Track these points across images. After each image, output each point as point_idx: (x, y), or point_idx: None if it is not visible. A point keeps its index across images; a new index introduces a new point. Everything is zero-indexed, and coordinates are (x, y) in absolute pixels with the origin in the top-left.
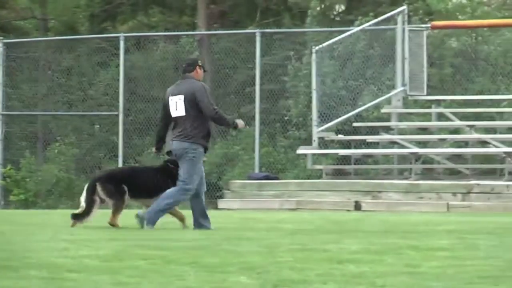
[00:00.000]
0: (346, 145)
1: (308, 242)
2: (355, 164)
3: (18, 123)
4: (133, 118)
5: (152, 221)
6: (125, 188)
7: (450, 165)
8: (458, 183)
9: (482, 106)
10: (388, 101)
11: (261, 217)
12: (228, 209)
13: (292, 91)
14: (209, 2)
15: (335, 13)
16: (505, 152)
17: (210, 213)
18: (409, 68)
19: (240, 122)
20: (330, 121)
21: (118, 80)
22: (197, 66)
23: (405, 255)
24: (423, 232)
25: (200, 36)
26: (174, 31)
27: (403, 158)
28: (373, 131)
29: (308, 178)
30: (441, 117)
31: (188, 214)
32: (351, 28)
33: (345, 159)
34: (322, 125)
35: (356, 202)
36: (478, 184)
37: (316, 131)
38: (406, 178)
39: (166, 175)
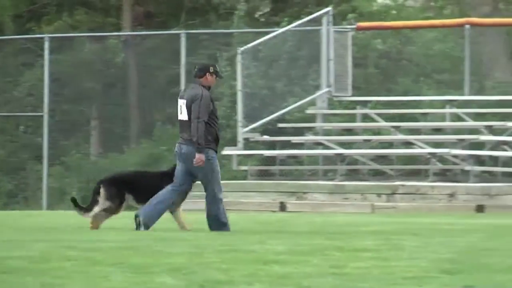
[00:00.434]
0: (271, 146)
1: (234, 243)
2: (280, 165)
3: None
4: (59, 118)
5: (149, 222)
6: (126, 195)
7: (375, 166)
8: (383, 184)
9: (407, 107)
10: (313, 102)
11: (187, 218)
12: None
13: (218, 92)
14: (134, 3)
15: (260, 14)
16: (429, 153)
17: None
18: (334, 69)
19: (199, 158)
20: (255, 122)
21: (43, 80)
22: (208, 73)
23: (330, 256)
24: (348, 233)
25: (125, 37)
26: (99, 32)
27: (328, 159)
28: (298, 132)
29: (234, 179)
30: (366, 118)
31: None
32: (276, 29)
33: (270, 160)
34: (247, 126)
35: (281, 203)
36: (403, 185)
37: (241, 132)
38: (331, 179)
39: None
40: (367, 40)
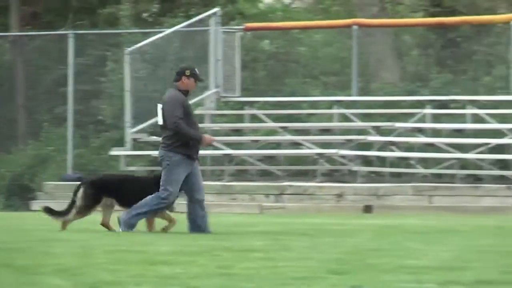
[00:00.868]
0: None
1: (122, 244)
2: None
3: None
4: None
5: (128, 225)
6: (104, 199)
7: (263, 166)
8: (271, 184)
9: (295, 107)
10: (201, 103)
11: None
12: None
13: (107, 93)
14: (21, 3)
15: (148, 14)
16: (317, 154)
17: (23, 215)
18: (223, 70)
19: (207, 138)
20: (143, 123)
21: None
22: (184, 76)
23: (218, 257)
24: (236, 233)
25: (13, 37)
26: None
27: (216, 160)
28: None
29: None
30: (254, 118)
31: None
32: (164, 29)
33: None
34: (136, 127)
35: None
36: (290, 186)
37: (129, 133)
38: (219, 180)
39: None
40: (255, 41)
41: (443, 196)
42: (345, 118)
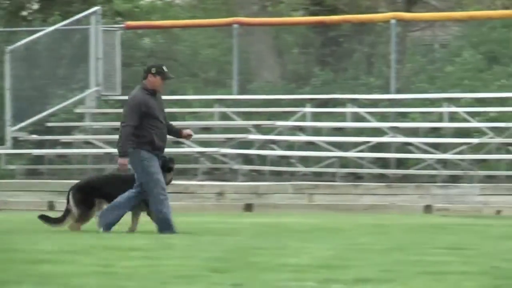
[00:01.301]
0: (40, 145)
1: (2, 243)
2: (48, 164)
3: None
4: None
5: (106, 225)
6: (96, 200)
7: None
8: None
9: (175, 106)
10: (82, 101)
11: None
12: None
13: None
14: None
15: (28, 12)
16: (198, 152)
17: None
18: (103, 68)
19: (121, 164)
20: (23, 121)
21: None
22: (150, 74)
23: (98, 255)
24: (117, 232)
25: None
26: None
27: (97, 158)
28: (67, 131)
29: (1, 178)
30: None
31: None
32: (44, 28)
33: (39, 159)
34: (16, 125)
35: (50, 202)
36: (171, 184)
37: (10, 131)
38: None
39: None
40: (134, 39)
41: (323, 195)
42: (226, 116)
